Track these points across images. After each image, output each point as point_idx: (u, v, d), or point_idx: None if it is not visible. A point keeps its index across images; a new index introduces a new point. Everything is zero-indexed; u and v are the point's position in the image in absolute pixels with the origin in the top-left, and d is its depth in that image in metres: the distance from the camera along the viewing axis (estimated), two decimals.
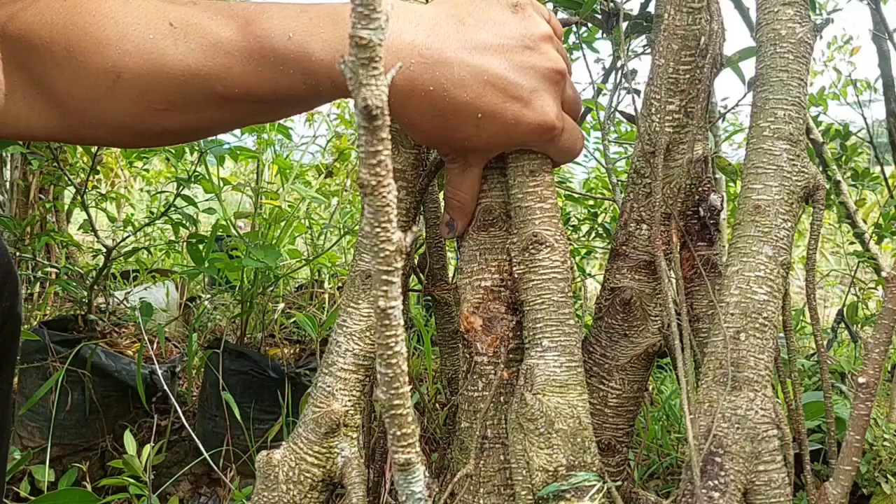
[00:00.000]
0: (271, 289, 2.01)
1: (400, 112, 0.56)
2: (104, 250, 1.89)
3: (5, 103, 0.58)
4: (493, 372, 0.66)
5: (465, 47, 0.55)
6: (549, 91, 0.57)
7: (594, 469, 0.60)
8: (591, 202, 2.14)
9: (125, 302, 2.09)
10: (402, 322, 0.32)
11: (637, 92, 0.75)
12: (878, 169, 2.34)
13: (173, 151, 1.81)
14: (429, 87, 0.54)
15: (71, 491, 0.96)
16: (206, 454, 1.32)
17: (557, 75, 0.58)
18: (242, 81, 0.56)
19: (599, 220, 2.11)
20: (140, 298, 1.95)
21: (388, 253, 0.30)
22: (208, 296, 2.18)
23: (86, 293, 1.87)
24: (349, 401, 0.68)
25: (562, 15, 0.94)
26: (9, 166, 2.34)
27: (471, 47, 0.55)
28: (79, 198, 2.04)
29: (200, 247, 1.63)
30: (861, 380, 0.56)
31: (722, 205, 0.69)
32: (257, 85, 0.56)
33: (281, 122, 2.23)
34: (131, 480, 1.18)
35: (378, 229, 0.30)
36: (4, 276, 0.73)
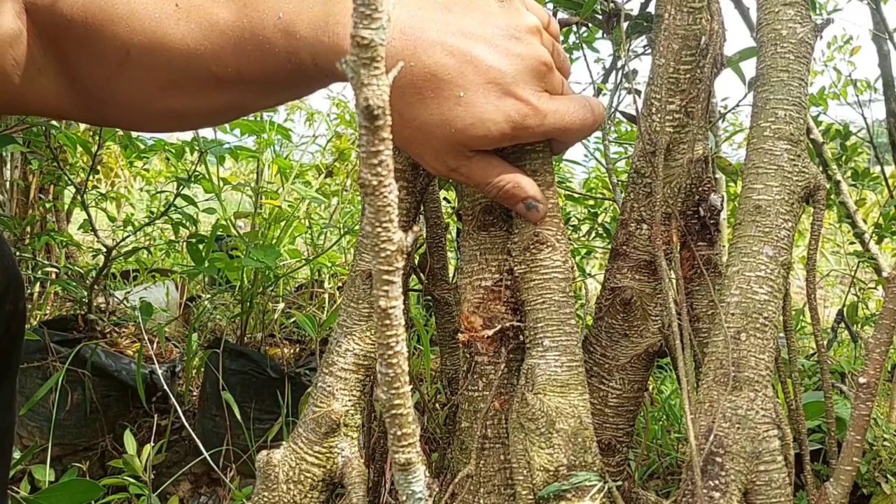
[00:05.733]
0: (271, 289, 2.00)
1: None
2: (104, 250, 1.89)
3: (39, 78, 0.62)
4: (493, 372, 0.66)
5: (449, 31, 0.55)
6: (531, 81, 0.57)
7: (595, 469, 0.60)
8: (591, 202, 2.14)
9: (125, 302, 2.09)
10: (402, 322, 0.32)
11: (637, 92, 0.75)
12: (878, 169, 2.34)
13: (173, 151, 1.81)
14: (409, 64, 0.54)
15: (76, 482, 0.96)
16: (206, 454, 1.32)
17: (543, 67, 0.57)
18: (235, 62, 0.58)
19: (599, 220, 2.11)
20: (140, 298, 1.95)
21: (389, 253, 0.30)
22: (208, 296, 2.18)
23: (86, 293, 1.87)
24: (349, 401, 0.68)
25: (562, 15, 0.94)
26: (9, 166, 2.34)
27: (454, 31, 0.55)
28: (79, 197, 2.04)
29: (200, 247, 1.63)
30: (862, 380, 0.56)
31: (722, 205, 0.69)
32: (248, 66, 0.58)
33: (281, 122, 2.22)
34: (131, 480, 1.18)
35: (379, 229, 0.30)
36: (10, 279, 0.73)
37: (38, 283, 2.26)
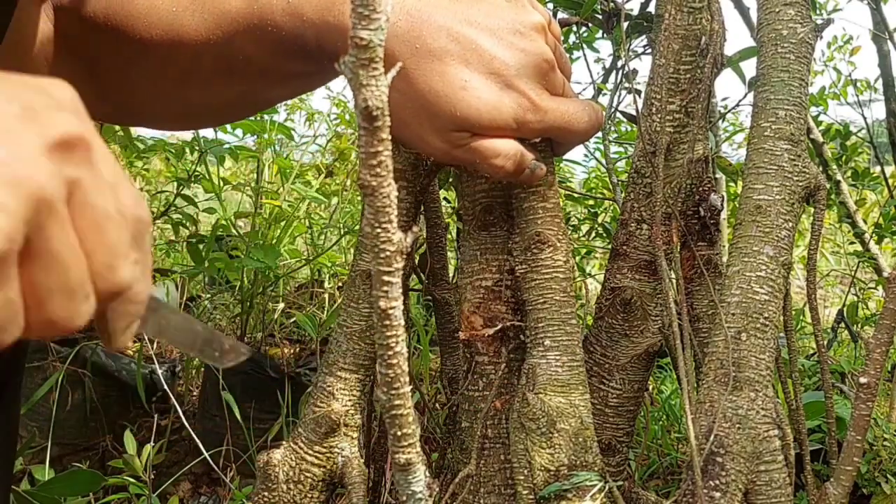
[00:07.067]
0: (271, 288, 2.00)
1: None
2: None
3: (62, 76, 0.63)
4: (493, 372, 0.65)
5: (456, 18, 0.55)
6: (533, 76, 0.57)
7: (596, 469, 0.60)
8: (591, 202, 2.14)
9: None
10: (402, 322, 0.32)
11: (638, 92, 0.75)
12: (878, 169, 2.34)
13: (173, 151, 1.81)
14: (414, 46, 0.54)
15: (77, 473, 0.96)
16: (206, 454, 1.32)
17: (545, 64, 0.57)
18: (244, 49, 0.59)
19: (599, 220, 2.10)
20: None
21: (388, 253, 0.30)
22: (208, 295, 2.18)
23: None
24: (349, 401, 0.68)
25: (562, 15, 0.94)
26: None
27: (461, 19, 0.56)
28: None
29: (200, 247, 1.63)
30: (862, 380, 0.56)
31: (722, 204, 0.69)
32: (257, 52, 0.59)
33: (281, 121, 2.22)
34: (131, 480, 1.18)
35: (379, 230, 0.30)
36: None
37: None
